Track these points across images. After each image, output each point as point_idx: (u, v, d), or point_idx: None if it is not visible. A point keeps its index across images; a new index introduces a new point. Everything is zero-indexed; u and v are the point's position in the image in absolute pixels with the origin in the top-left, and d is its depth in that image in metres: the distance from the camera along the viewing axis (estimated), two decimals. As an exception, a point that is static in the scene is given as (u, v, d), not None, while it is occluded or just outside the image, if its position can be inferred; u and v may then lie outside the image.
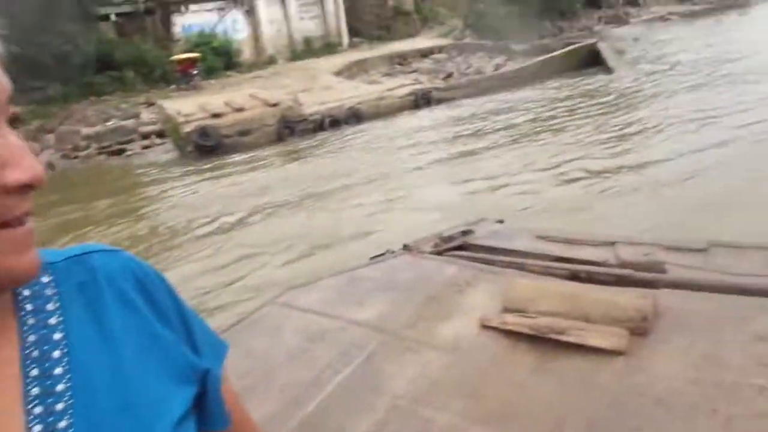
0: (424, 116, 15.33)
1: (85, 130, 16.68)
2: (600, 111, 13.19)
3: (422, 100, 16.04)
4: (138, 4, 27.02)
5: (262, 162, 12.80)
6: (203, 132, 13.70)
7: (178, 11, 27.59)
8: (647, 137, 10.68)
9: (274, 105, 14.66)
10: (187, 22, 27.54)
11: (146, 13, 26.79)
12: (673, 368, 1.64)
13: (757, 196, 6.93)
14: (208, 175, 12.34)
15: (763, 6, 36.74)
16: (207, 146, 13.64)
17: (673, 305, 1.92)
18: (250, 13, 28.94)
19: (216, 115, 14.28)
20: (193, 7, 27.88)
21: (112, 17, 26.22)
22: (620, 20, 39.43)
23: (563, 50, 18.76)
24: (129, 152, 15.13)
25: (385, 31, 34.50)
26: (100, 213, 10.49)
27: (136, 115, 18.26)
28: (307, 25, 30.99)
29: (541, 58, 18.52)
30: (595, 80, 16.75)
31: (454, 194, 9.05)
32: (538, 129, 12.55)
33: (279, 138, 14.37)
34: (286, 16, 30.08)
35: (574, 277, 2.32)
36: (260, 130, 14.28)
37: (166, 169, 13.46)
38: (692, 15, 38.60)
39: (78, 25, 21.66)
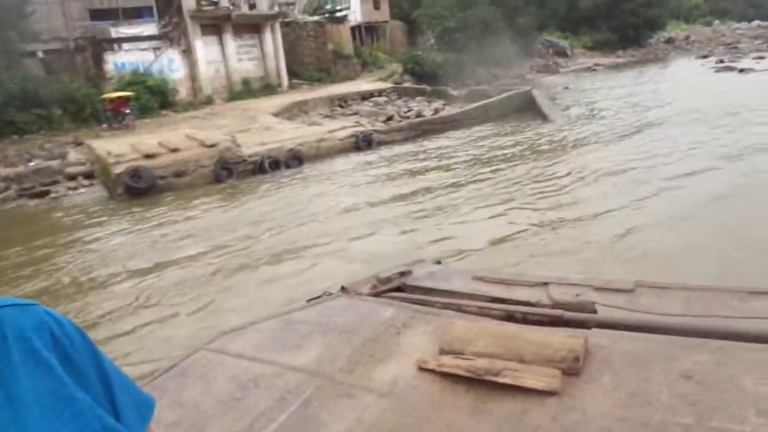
0: (365, 159, 15.25)
1: (5, 171, 15.61)
2: (535, 157, 13.53)
3: (363, 143, 15.99)
4: (67, 42, 26.12)
5: (196, 205, 12.24)
6: (135, 173, 13.06)
7: (111, 49, 26.87)
8: (578, 185, 10.89)
9: (212, 146, 14.21)
10: (120, 60, 26.83)
11: (76, 50, 25.89)
12: (603, 407, 1.67)
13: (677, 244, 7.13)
14: (137, 218, 11.64)
15: (679, 61, 39.58)
16: (139, 188, 12.98)
17: (603, 345, 1.95)
18: (187, 52, 28.49)
19: (149, 156, 13.67)
20: (126, 45, 27.23)
21: (39, 54, 25.18)
22: (551, 69, 41.38)
23: (500, 96, 19.31)
24: (53, 195, 14.17)
25: (326, 74, 34.74)
26: (10, 262, 9.64)
27: (63, 155, 17.29)
28: (245, 66, 30.78)
29: (480, 103, 18.98)
30: (530, 126, 17.27)
31: (390, 237, 8.93)
32: (475, 172, 12.70)
33: (216, 179, 13.88)
34: (224, 56, 29.79)
35: (510, 317, 2.35)
36: (196, 172, 13.77)
37: (91, 212, 12.63)
38: (617, 67, 41.00)
39: (1, 61, 20.61)
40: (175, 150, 14.00)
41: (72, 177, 15.14)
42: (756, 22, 75.38)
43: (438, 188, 11.61)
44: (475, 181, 11.90)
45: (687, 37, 60.94)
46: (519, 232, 8.46)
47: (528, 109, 19.18)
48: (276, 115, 22.18)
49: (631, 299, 2.40)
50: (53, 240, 10.83)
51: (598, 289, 2.52)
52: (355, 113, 22.92)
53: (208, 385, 2.10)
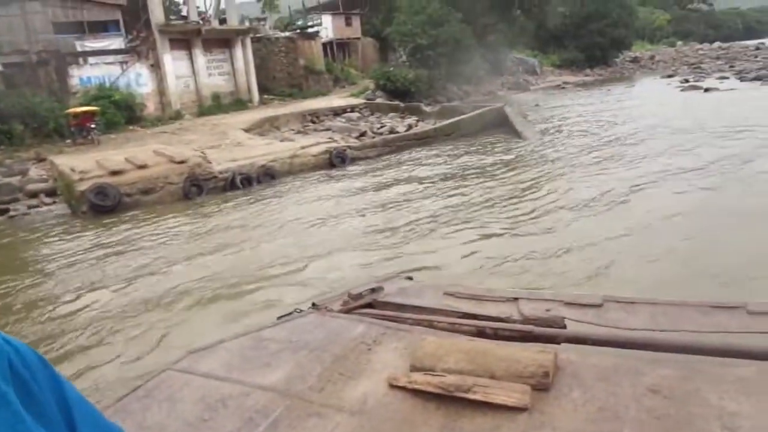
0: (338, 175, 14.99)
1: (-40, 188, 14.88)
2: (507, 174, 13.40)
3: (337, 159, 15.74)
4: (29, 55, 25.37)
5: (163, 223, 11.75)
6: (100, 190, 12.55)
7: (76, 63, 26.20)
8: (550, 204, 10.68)
9: (181, 162, 13.78)
10: (86, 74, 26.18)
11: (39, 64, 25.15)
12: (573, 422, 1.68)
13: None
14: (100, 238, 11.03)
15: (645, 80, 40.50)
16: (104, 206, 12.46)
17: (573, 360, 1.98)
18: (156, 66, 27.97)
19: (115, 173, 13.18)
20: (92, 59, 26.59)
21: (0, 68, 24.37)
22: (521, 87, 41.93)
23: (473, 113, 19.30)
24: (12, 213, 13.48)
25: (297, 89, 34.52)
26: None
27: (24, 172, 16.60)
28: (216, 81, 30.36)
29: (453, 119, 18.94)
30: (503, 143, 17.27)
31: (360, 256, 8.68)
32: (448, 190, 12.52)
33: (186, 197, 13.45)
34: (194, 71, 29.34)
35: (481, 333, 2.35)
36: (165, 189, 13.32)
37: (51, 231, 11.99)
38: (585, 85, 41.78)
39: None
40: (142, 166, 13.52)
41: (33, 194, 14.49)
42: (717, 44, 78.17)
43: (410, 205, 11.39)
44: (448, 198, 11.71)
45: (652, 57, 62.67)
46: (492, 250, 8.29)
47: (501, 125, 19.20)
48: (247, 130, 21.78)
49: (600, 314, 2.44)
50: (6, 261, 10.25)
51: (567, 304, 2.56)
52: (328, 129, 22.68)
53: (174, 407, 2.04)
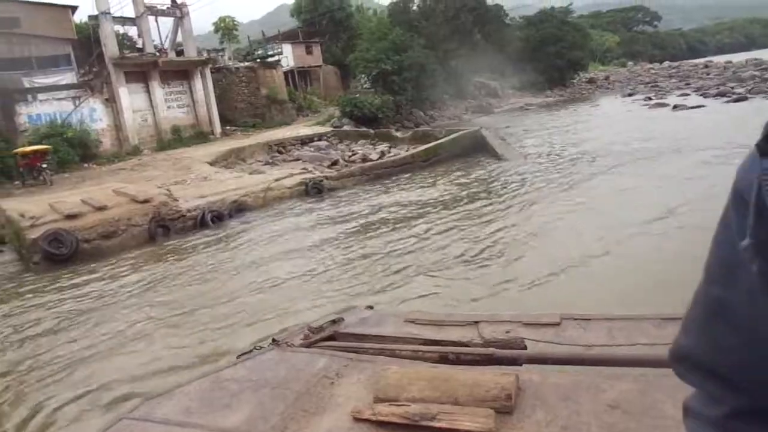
0: (316, 207, 14.03)
1: None
2: (492, 200, 12.68)
3: (313, 190, 14.79)
4: (-26, 92, 23.82)
5: (125, 272, 10.52)
6: (55, 237, 11.27)
7: (24, 100, 24.72)
8: (536, 230, 9.99)
9: (144, 201, 12.62)
10: (35, 111, 24.77)
11: (-16, 102, 23.61)
12: None
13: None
14: (53, 295, 9.64)
15: (606, 99, 41.02)
16: (60, 255, 11.17)
17: (534, 380, 1.97)
18: (111, 101, 26.71)
19: (71, 216, 11.93)
20: (41, 95, 25.17)
21: (-59, 106, 22.78)
22: (485, 110, 41.96)
23: (449, 137, 18.71)
24: None
25: (260, 120, 33.61)
26: None
27: (-33, 218, 15.11)
28: (175, 114, 29.24)
29: (429, 144, 18.29)
30: (483, 166, 16.67)
31: (337, 291, 7.95)
32: (430, 219, 11.73)
33: (152, 239, 12.27)
34: (151, 104, 28.18)
35: (443, 359, 2.33)
36: (128, 232, 12.12)
37: None
38: (548, 106, 42.09)
39: None
40: (101, 208, 12.31)
41: (-23, 244, 13.08)
42: (666, 63, 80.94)
43: (391, 237, 10.55)
44: (429, 227, 10.91)
45: (607, 77, 64.13)
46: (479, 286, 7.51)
47: (478, 149, 18.65)
48: (212, 164, 20.70)
49: (558, 332, 2.44)
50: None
51: (526, 324, 2.55)
52: (297, 159, 21.78)
53: None
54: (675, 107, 26.45)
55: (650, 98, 33.42)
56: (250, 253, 10.83)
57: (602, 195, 12.09)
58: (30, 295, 9.81)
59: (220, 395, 2.27)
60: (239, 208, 13.46)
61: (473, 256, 8.84)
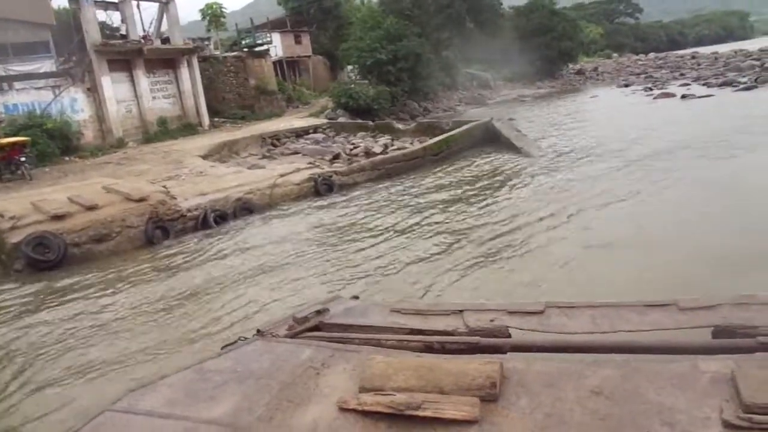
0: (327, 205, 12.89)
1: None
2: (525, 200, 11.66)
3: (323, 187, 13.63)
4: (-56, 81, 22.21)
5: (119, 280, 9.31)
6: (40, 241, 10.00)
7: (0, 89, 23.09)
8: (573, 234, 9.04)
9: (140, 200, 11.38)
10: (12, 101, 23.17)
11: (-44, 91, 22.00)
12: (522, 431, 1.67)
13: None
14: (37, 310, 8.38)
15: (602, 90, 40.26)
16: (45, 261, 9.91)
17: (519, 368, 1.96)
18: (93, 90, 25.18)
19: (58, 217, 10.65)
20: (18, 84, 23.57)
21: None
22: (478, 101, 41.00)
23: (461, 129, 17.67)
24: None
25: (249, 111, 32.26)
26: None
27: (-62, 218, 13.71)
28: (161, 105, 27.81)
29: (440, 137, 17.22)
30: (503, 160, 15.65)
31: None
32: (455, 221, 10.72)
33: (149, 242, 11.06)
34: (136, 94, 26.70)
35: (428, 348, 2.33)
36: (122, 234, 10.88)
37: None
38: (542, 97, 41.27)
39: None
40: (92, 207, 11.04)
41: (-49, 247, 11.72)
42: (652, 54, 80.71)
43: (416, 245, 9.51)
44: (456, 235, 9.89)
45: (595, 69, 63.57)
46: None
47: (490, 141, 17.67)
48: (204, 157, 19.45)
49: (542, 320, 2.45)
50: None
51: (511, 313, 2.56)
52: (295, 153, 20.59)
53: None
54: (683, 97, 25.69)
55: (650, 89, 32.74)
56: (261, 259, 9.68)
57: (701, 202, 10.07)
58: (9, 311, 8.57)
59: (204, 387, 2.23)
60: (244, 207, 12.27)
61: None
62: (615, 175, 12.57)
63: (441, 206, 11.72)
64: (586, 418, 1.67)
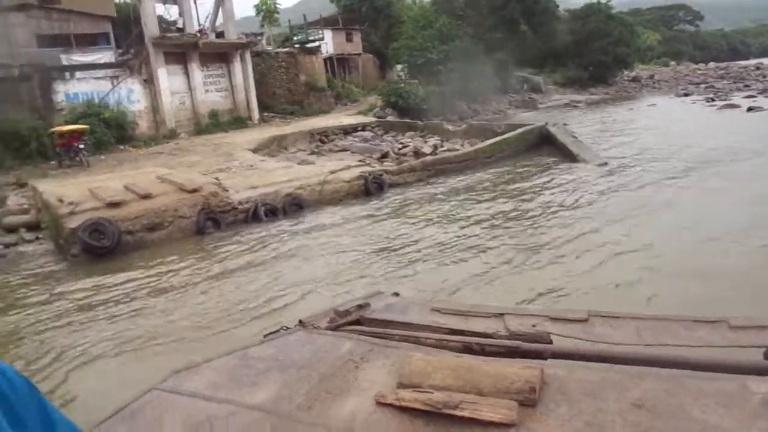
0: (379, 205, 12.71)
1: (-76, 221, 12.40)
2: (586, 209, 11.12)
3: (373, 185, 13.47)
4: (11, 69, 22.98)
5: (174, 270, 9.34)
6: (96, 228, 10.15)
7: (62, 78, 23.84)
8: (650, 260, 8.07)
9: (193, 191, 11.46)
10: (73, 90, 23.85)
11: (20, 78, 22.75)
12: None
13: None
14: (91, 298, 8.45)
15: (659, 98, 38.93)
16: (101, 247, 10.06)
17: (559, 375, 1.93)
18: (149, 82, 25.72)
19: (113, 204, 10.81)
20: (79, 74, 24.26)
21: (-23, 83, 21.97)
22: (529, 105, 40.24)
23: (514, 132, 17.25)
24: None
25: (298, 107, 32.44)
26: None
27: (1, 200, 14.19)
28: (213, 98, 28.21)
29: (493, 140, 16.86)
30: (556, 166, 15.15)
31: None
32: (516, 227, 10.33)
33: (199, 232, 11.12)
34: (190, 87, 27.14)
35: (468, 349, 2.32)
36: (174, 224, 10.97)
37: (31, 284, 9.35)
38: (595, 103, 40.21)
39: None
40: (146, 196, 11.17)
41: (11, 229, 12.06)
42: (712, 64, 77.93)
43: (468, 250, 9.18)
44: (510, 239, 9.54)
45: (651, 76, 61.75)
46: None
47: (543, 146, 17.19)
48: (254, 151, 19.58)
49: (585, 329, 2.42)
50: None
51: (553, 319, 2.54)
52: (344, 150, 20.54)
53: (159, 428, 1.97)
54: (750, 109, 24.53)
55: (712, 99, 31.44)
56: (310, 254, 9.59)
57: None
58: (68, 298, 8.69)
59: (246, 372, 2.27)
60: (294, 202, 12.22)
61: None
62: (683, 186, 11.96)
63: (494, 212, 11.36)
64: (627, 430, 1.64)
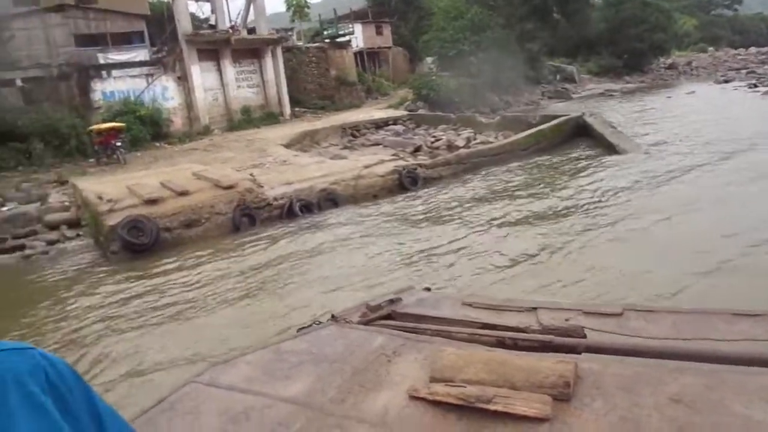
0: (414, 199, 12.58)
1: (-29, 219, 12.76)
2: (626, 203, 10.82)
3: (408, 180, 13.35)
4: (50, 68, 23.53)
5: (210, 266, 9.43)
6: (134, 225, 10.29)
7: (99, 76, 24.30)
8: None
9: (229, 187, 11.52)
10: (109, 88, 24.31)
11: (60, 77, 23.27)
12: None
13: None
14: (134, 296, 8.47)
15: (698, 86, 37.75)
16: (140, 245, 10.19)
17: (594, 369, 1.89)
18: (183, 79, 26.02)
19: (151, 201, 10.94)
20: (116, 72, 24.69)
21: (18, 82, 22.54)
22: (562, 95, 39.44)
23: (550, 124, 16.90)
24: (28, 251, 11.18)
25: (329, 101, 32.46)
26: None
27: (43, 198, 14.51)
28: (245, 94, 28.40)
29: (529, 132, 16.54)
30: (596, 158, 14.75)
31: None
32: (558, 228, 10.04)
33: (235, 229, 11.17)
34: (222, 83, 27.39)
35: (500, 343, 2.30)
36: (211, 220, 11.04)
37: (72, 282, 9.46)
38: (632, 92, 39.20)
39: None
40: (183, 193, 11.28)
41: (53, 226, 12.32)
42: (753, 49, 75.19)
43: (506, 245, 8.96)
44: (551, 237, 9.25)
45: (689, 63, 59.90)
46: None
47: (580, 137, 16.80)
48: (287, 146, 19.64)
49: (620, 323, 2.39)
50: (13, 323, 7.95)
51: (587, 313, 2.51)
52: (376, 144, 20.45)
53: (197, 419, 2.01)
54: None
55: (755, 85, 30.37)
56: (346, 250, 9.53)
57: None
58: (112, 295, 8.82)
59: (280, 366, 2.29)
60: (328, 198, 12.19)
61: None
62: (734, 177, 11.39)
63: (532, 206, 11.13)
64: (664, 425, 1.60)
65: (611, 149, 14.85)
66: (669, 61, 58.79)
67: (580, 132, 16.81)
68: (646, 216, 9.52)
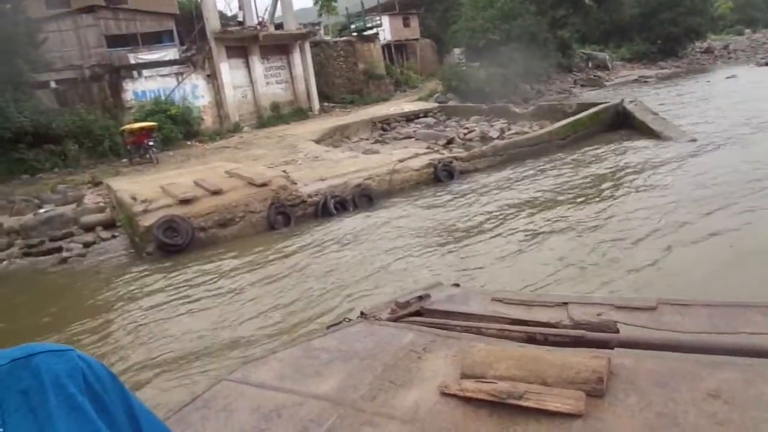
0: (451, 193, 12.22)
1: (9, 222, 12.84)
2: (684, 187, 10.28)
3: (443, 173, 12.99)
4: (82, 70, 23.76)
5: (247, 265, 9.25)
6: (169, 225, 10.17)
7: (130, 77, 24.46)
8: None
9: (262, 185, 11.32)
10: (141, 88, 24.42)
11: (92, 78, 23.47)
12: (630, 429, 1.60)
13: None
14: (172, 296, 8.35)
15: (738, 69, 36.37)
16: (175, 245, 10.07)
17: (627, 365, 1.88)
18: (212, 77, 26.03)
19: (185, 201, 10.81)
20: (146, 71, 24.81)
21: (52, 84, 22.83)
22: (595, 83, 38.45)
23: (588, 112, 16.31)
24: (66, 254, 11.16)
25: (358, 95, 32.18)
26: None
27: (78, 199, 14.57)
28: (273, 90, 28.29)
29: (566, 121, 15.99)
30: (639, 146, 14.12)
31: None
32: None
33: (270, 227, 10.98)
34: (251, 80, 27.32)
35: (531, 339, 2.29)
36: (245, 219, 10.87)
37: (110, 283, 9.39)
38: (668, 78, 38.00)
39: (9, 93, 18.15)
40: (216, 192, 11.13)
41: (89, 228, 12.31)
42: (795, 29, 72.37)
43: (546, 243, 8.56)
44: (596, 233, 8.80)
45: (726, 47, 57.94)
46: None
47: (620, 125, 16.19)
48: (318, 141, 19.44)
49: (654, 317, 2.33)
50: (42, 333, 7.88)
51: (619, 308, 2.46)
52: (407, 137, 20.12)
53: (230, 417, 2.02)
54: None
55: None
56: (383, 248, 9.24)
57: None
58: (149, 295, 8.70)
59: (311, 363, 2.29)
60: (363, 194, 11.90)
61: None
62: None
63: (576, 201, 10.67)
64: (702, 421, 1.56)
65: (655, 136, 14.24)
66: (705, 45, 56.92)
67: (620, 120, 16.20)
68: (703, 206, 9.01)
